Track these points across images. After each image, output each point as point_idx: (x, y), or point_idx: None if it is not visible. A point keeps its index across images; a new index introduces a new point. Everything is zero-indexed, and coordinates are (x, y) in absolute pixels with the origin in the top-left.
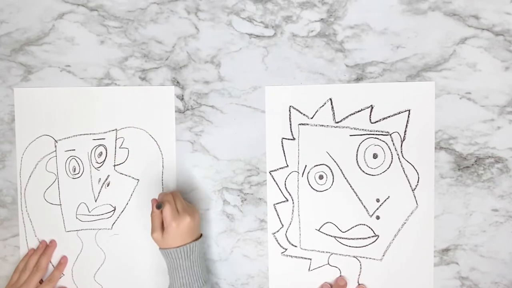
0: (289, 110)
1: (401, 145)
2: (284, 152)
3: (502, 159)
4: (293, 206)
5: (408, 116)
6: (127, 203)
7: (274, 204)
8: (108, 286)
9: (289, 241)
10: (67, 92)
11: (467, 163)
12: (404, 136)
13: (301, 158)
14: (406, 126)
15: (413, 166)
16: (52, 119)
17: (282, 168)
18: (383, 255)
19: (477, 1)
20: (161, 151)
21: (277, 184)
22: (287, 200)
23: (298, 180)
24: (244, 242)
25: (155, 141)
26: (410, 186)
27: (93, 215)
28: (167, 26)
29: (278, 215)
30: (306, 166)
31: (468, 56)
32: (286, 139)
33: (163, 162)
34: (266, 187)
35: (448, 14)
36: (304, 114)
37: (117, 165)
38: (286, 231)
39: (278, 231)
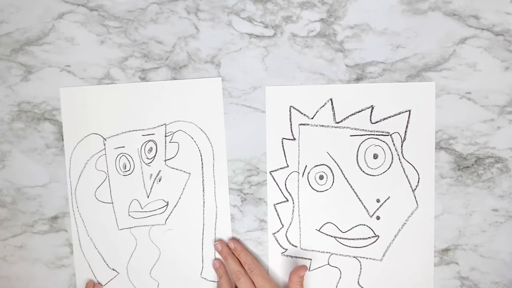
0: (290, 110)
1: (402, 146)
2: (284, 152)
3: (502, 159)
4: (293, 206)
5: (409, 117)
6: (180, 198)
7: (274, 204)
8: (165, 282)
9: (289, 241)
10: (112, 89)
11: (467, 163)
12: (404, 137)
13: (302, 158)
14: (407, 126)
15: (413, 167)
16: (100, 117)
17: (282, 168)
18: (383, 256)
19: (477, 1)
20: (211, 143)
21: (277, 184)
22: (287, 200)
23: (298, 180)
24: (244, 242)
25: (205, 133)
26: (411, 186)
27: (145, 211)
28: (167, 26)
29: (278, 215)
30: (306, 166)
31: (468, 56)
32: (286, 139)
33: (213, 154)
34: (266, 187)
35: (448, 14)
36: (304, 114)
37: (168, 159)
38: (286, 231)
39: (278, 231)
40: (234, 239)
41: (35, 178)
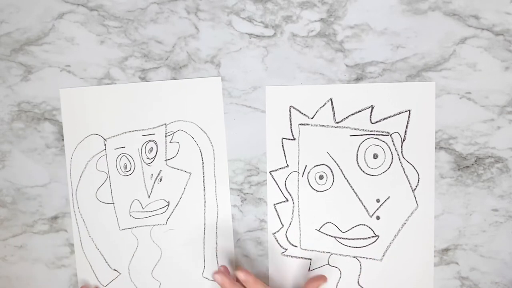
0: (290, 110)
1: (402, 146)
2: (284, 152)
3: (502, 159)
4: (293, 206)
5: (409, 117)
6: (181, 197)
7: (274, 204)
8: (166, 282)
9: (289, 241)
10: (112, 89)
11: (467, 163)
12: (404, 137)
13: (301, 158)
14: (407, 126)
15: (413, 166)
16: (100, 118)
17: (282, 168)
18: (383, 255)
19: (477, 1)
20: (211, 142)
21: (277, 184)
22: (287, 200)
23: (298, 180)
24: (244, 242)
25: (205, 133)
26: (411, 186)
27: (147, 212)
28: (167, 26)
29: (278, 215)
30: (306, 166)
31: (468, 56)
32: (286, 139)
33: (214, 153)
34: (266, 187)
35: (448, 14)
36: (304, 114)
37: (169, 159)
38: (286, 231)
39: (278, 231)
40: (242, 269)
41: (35, 178)
